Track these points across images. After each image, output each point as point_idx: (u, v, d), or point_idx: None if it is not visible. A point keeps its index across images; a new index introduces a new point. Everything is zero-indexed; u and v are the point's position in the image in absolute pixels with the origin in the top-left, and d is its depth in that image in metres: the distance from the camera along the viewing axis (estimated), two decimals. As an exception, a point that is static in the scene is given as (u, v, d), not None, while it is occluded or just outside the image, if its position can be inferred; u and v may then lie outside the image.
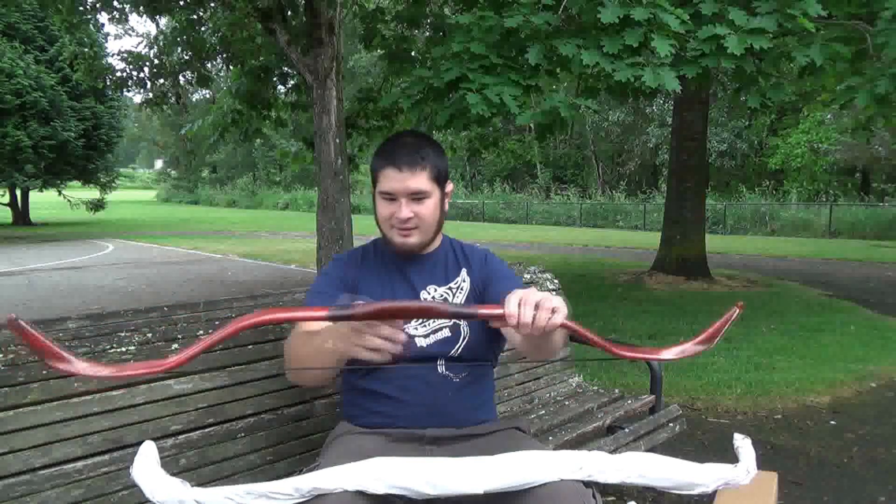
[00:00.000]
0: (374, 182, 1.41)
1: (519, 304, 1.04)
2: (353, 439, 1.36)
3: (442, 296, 1.43)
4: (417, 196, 1.36)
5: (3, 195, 22.13)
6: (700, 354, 1.09)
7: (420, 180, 1.35)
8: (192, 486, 1.01)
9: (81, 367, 0.93)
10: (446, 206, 1.47)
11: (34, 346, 0.91)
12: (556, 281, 2.47)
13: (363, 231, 6.96)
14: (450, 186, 1.47)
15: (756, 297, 7.25)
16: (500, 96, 3.50)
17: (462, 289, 1.46)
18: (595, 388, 2.43)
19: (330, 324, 1.15)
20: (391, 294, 1.40)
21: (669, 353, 1.10)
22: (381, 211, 1.40)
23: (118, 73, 7.63)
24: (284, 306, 0.99)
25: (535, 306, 1.04)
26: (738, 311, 1.12)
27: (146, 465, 1.03)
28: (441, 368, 1.39)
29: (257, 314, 0.98)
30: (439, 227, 1.44)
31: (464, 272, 1.49)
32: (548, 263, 3.12)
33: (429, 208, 1.38)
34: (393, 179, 1.35)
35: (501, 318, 1.05)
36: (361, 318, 1.00)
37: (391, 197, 1.37)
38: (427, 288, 1.44)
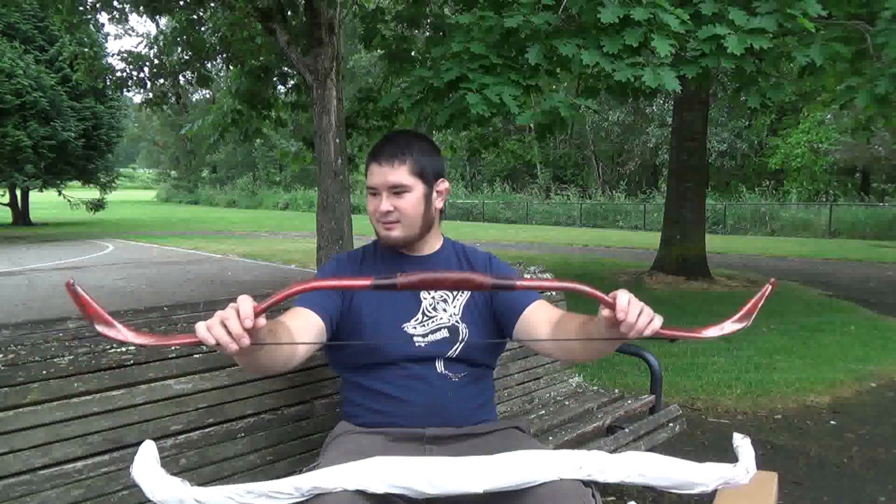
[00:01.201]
0: (366, 182, 1.46)
1: (629, 302, 1.05)
2: (352, 439, 1.36)
3: (442, 297, 1.44)
4: (397, 189, 1.38)
5: (3, 195, 22.15)
6: (737, 332, 1.11)
7: (399, 174, 1.38)
8: (192, 485, 1.01)
9: (127, 334, 0.96)
10: (438, 204, 1.46)
11: (87, 310, 0.95)
12: (556, 281, 2.47)
13: (363, 231, 6.95)
14: (444, 185, 1.47)
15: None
16: (500, 96, 3.50)
17: (463, 291, 1.46)
18: (595, 388, 2.43)
19: None
20: (390, 295, 1.40)
21: (710, 332, 1.11)
22: (368, 206, 1.44)
23: (118, 73, 7.65)
24: (333, 277, 1.01)
25: (640, 310, 1.06)
26: (771, 287, 1.13)
27: (146, 465, 1.03)
28: (440, 368, 1.39)
29: (305, 282, 1.00)
30: (426, 223, 1.44)
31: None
32: (548, 263, 3.12)
33: (409, 202, 1.39)
34: (375, 174, 1.40)
35: (611, 306, 1.06)
36: (403, 288, 1.01)
37: (374, 191, 1.41)
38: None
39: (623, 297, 1.06)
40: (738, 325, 1.12)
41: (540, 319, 1.37)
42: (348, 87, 13.00)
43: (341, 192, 5.56)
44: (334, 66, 5.43)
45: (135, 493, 1.34)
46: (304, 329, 1.28)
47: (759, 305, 1.13)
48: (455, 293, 1.45)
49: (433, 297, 1.43)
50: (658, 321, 1.07)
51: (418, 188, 1.40)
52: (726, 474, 1.10)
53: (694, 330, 1.11)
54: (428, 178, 1.42)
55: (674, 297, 7.06)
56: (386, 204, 1.38)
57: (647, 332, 1.06)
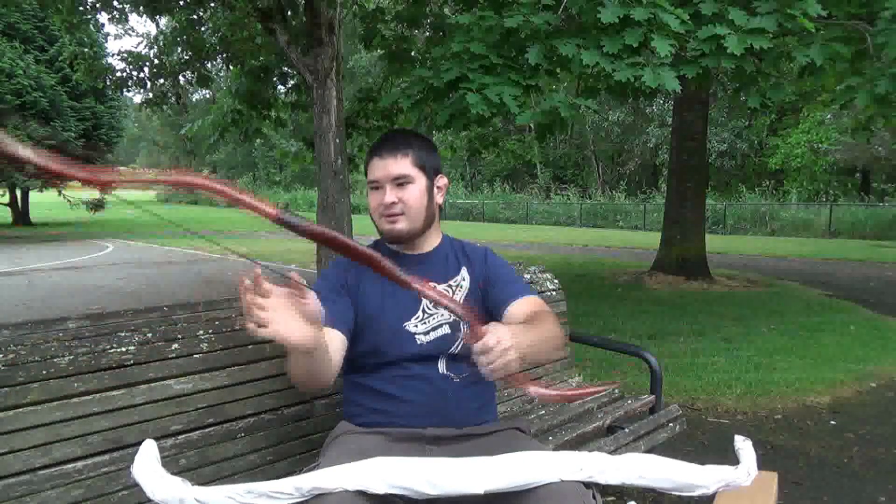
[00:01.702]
0: (367, 178, 1.46)
1: (495, 344, 1.09)
2: (353, 439, 1.36)
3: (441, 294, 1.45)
4: (400, 181, 1.40)
5: (3, 195, 22.12)
6: (555, 402, 1.18)
7: (402, 165, 1.40)
8: (193, 485, 1.01)
9: (27, 153, 0.84)
10: (439, 199, 1.48)
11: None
12: (556, 281, 2.47)
13: (363, 231, 6.94)
14: (443, 180, 1.49)
15: (756, 297, 7.24)
16: (500, 96, 3.50)
17: (462, 286, 1.47)
18: (595, 388, 2.43)
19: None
20: (391, 293, 1.41)
21: (534, 388, 1.16)
22: (370, 202, 1.44)
23: (118, 73, 7.63)
24: (239, 189, 0.94)
25: (494, 359, 1.10)
26: (613, 387, 1.20)
27: (147, 464, 1.03)
28: (442, 368, 1.40)
29: (207, 179, 0.93)
30: (429, 216, 1.45)
31: (464, 270, 1.50)
32: (548, 263, 3.12)
33: (413, 194, 1.41)
34: (376, 168, 1.41)
35: (478, 336, 1.10)
36: (306, 233, 1.00)
37: (377, 185, 1.42)
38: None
39: (491, 339, 1.09)
40: (559, 399, 1.19)
41: (516, 314, 1.40)
42: (348, 87, 12.99)
43: (341, 192, 5.55)
44: (334, 66, 5.42)
45: (135, 493, 1.34)
46: (335, 350, 1.30)
47: (587, 396, 1.18)
48: (455, 288, 1.46)
49: None
50: (501, 373, 1.10)
51: (421, 180, 1.42)
52: (727, 476, 1.10)
53: (526, 383, 1.15)
54: (429, 171, 1.44)
55: (674, 297, 7.06)
56: (390, 195, 1.39)
57: (493, 378, 1.12)
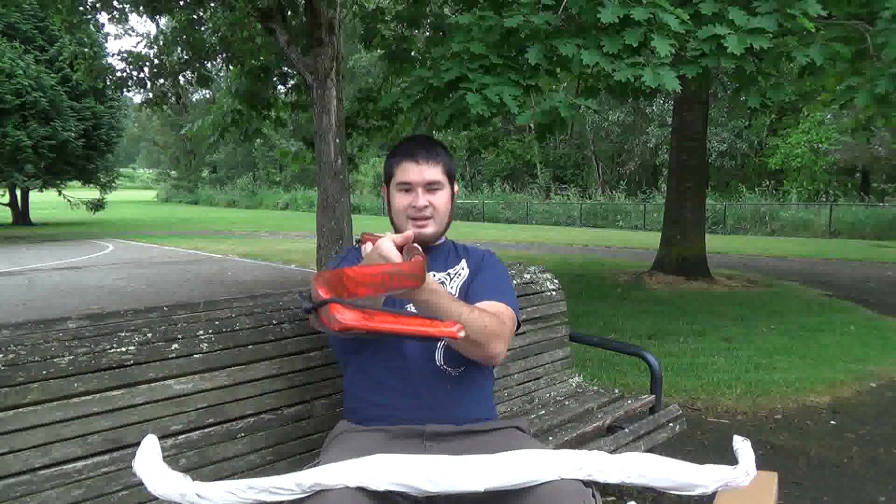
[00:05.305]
0: (390, 178, 1.51)
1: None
2: (353, 437, 1.37)
3: (441, 280, 1.50)
4: (432, 186, 1.47)
5: (3, 195, 22.13)
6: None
7: (435, 172, 1.47)
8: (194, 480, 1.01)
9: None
10: (455, 204, 1.56)
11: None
12: (556, 281, 2.47)
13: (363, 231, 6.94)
14: (456, 186, 1.57)
15: (756, 297, 7.24)
16: (500, 96, 3.50)
17: (460, 275, 1.53)
18: (595, 388, 2.43)
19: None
20: None
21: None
22: (398, 202, 1.49)
23: (118, 73, 7.64)
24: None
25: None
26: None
27: (148, 459, 1.04)
28: (439, 359, 1.41)
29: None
30: (450, 220, 1.54)
31: (463, 262, 1.57)
32: (548, 263, 3.12)
33: (442, 200, 1.49)
34: (411, 171, 1.46)
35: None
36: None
37: (408, 187, 1.47)
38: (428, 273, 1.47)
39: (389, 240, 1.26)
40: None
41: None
42: (348, 87, 12.99)
43: (341, 192, 5.56)
44: (334, 66, 5.42)
45: (135, 493, 1.34)
46: None
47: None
48: (454, 276, 1.52)
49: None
50: (374, 254, 1.26)
51: (447, 187, 1.51)
52: (726, 476, 1.10)
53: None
54: (452, 179, 1.53)
55: (674, 297, 7.06)
56: (423, 199, 1.46)
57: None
